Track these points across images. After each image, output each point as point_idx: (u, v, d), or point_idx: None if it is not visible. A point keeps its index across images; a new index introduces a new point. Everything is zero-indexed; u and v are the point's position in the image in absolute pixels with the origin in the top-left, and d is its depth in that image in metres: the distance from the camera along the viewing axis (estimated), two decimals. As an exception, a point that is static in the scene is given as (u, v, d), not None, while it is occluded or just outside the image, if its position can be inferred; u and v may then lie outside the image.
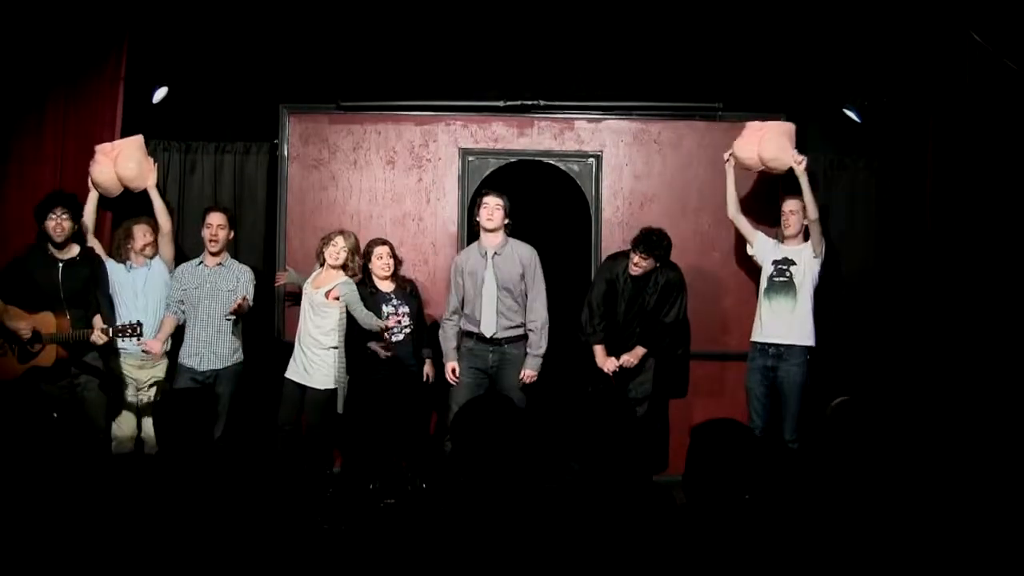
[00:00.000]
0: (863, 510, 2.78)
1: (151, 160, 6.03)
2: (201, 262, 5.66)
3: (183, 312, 5.59)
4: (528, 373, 5.66)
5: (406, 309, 5.82)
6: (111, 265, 5.73)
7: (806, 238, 5.82)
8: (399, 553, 2.61)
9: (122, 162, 5.88)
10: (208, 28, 6.31)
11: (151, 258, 5.79)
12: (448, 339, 5.77)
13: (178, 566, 2.68)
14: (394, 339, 5.77)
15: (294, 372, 5.69)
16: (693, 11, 6.30)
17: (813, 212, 5.72)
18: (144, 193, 5.95)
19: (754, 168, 6.00)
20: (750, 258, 6.06)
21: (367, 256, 5.84)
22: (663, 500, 2.68)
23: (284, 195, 6.49)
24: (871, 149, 6.46)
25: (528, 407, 5.63)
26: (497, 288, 5.59)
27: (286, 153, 6.50)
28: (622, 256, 5.87)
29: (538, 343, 5.67)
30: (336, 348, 5.62)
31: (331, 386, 5.63)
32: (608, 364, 5.75)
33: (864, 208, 6.48)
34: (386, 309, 5.78)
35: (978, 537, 2.80)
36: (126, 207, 6.09)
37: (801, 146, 6.46)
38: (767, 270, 5.82)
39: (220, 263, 5.64)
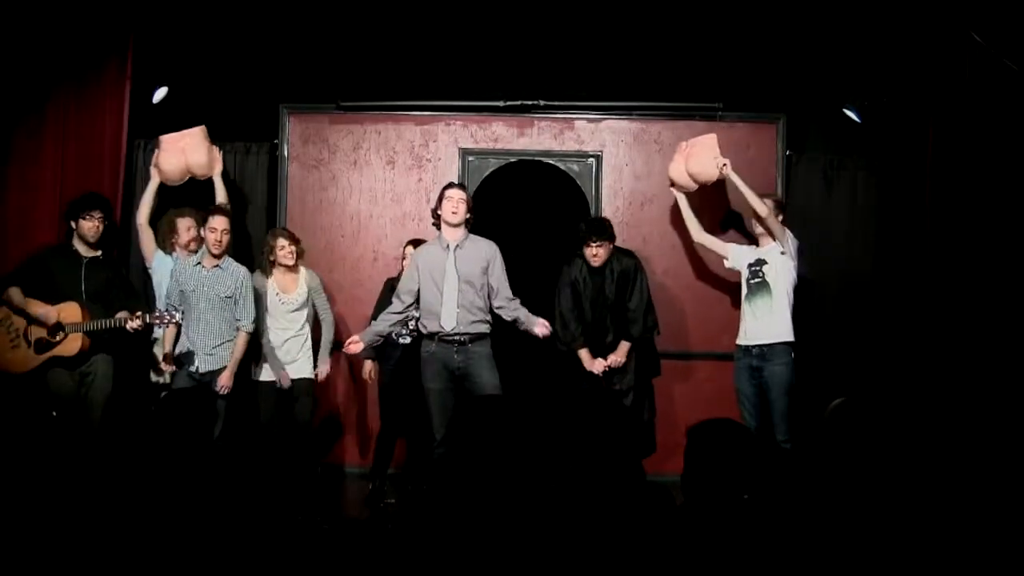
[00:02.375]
0: (862, 510, 2.78)
1: (215, 148, 6.14)
2: (199, 262, 5.64)
3: (180, 314, 5.57)
4: (540, 322, 5.41)
5: (416, 313, 5.80)
6: (159, 256, 5.87)
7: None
8: (399, 553, 2.61)
9: (191, 151, 6.03)
10: (208, 28, 6.32)
11: (196, 252, 5.82)
12: (377, 324, 5.54)
13: (178, 566, 2.68)
14: (400, 341, 5.77)
15: (270, 373, 5.76)
16: (693, 11, 6.30)
17: (761, 209, 5.69)
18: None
19: (689, 187, 6.00)
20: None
21: (403, 255, 5.90)
22: (662, 499, 2.68)
23: (284, 195, 6.50)
24: (871, 149, 6.46)
25: (523, 408, 5.57)
26: (459, 281, 5.38)
27: (286, 153, 6.50)
28: (576, 258, 5.87)
29: (526, 311, 5.46)
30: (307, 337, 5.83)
31: (312, 375, 5.83)
32: (596, 366, 5.74)
33: (864, 208, 6.47)
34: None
35: (976, 537, 2.80)
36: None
37: (801, 146, 6.49)
38: (744, 274, 5.81)
39: (218, 264, 5.63)
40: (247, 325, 5.61)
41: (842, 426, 3.03)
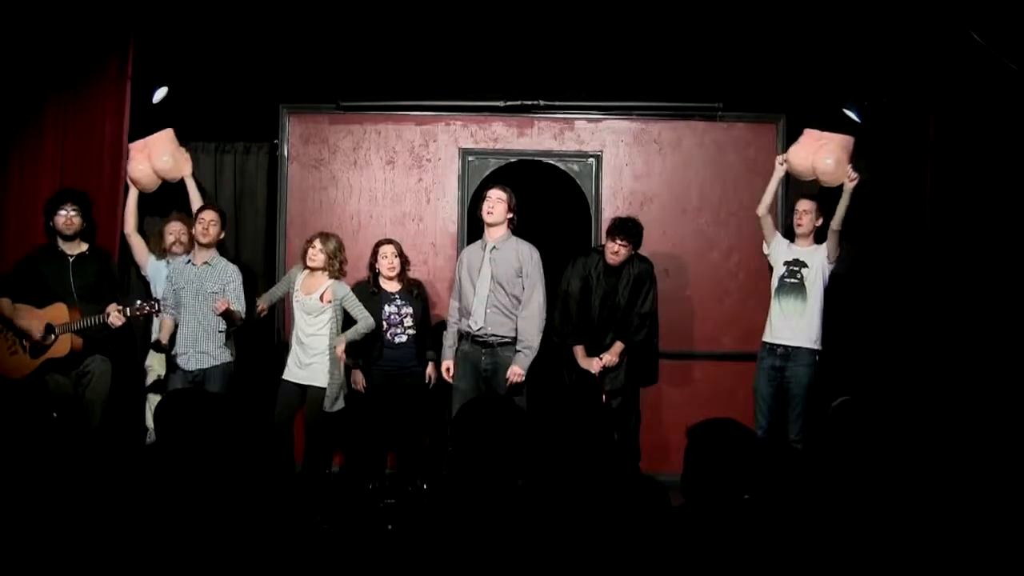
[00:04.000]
0: (864, 510, 2.78)
1: (184, 151, 6.14)
2: (189, 260, 5.66)
3: (159, 304, 5.54)
4: (514, 370, 5.42)
5: (409, 310, 5.81)
6: (152, 261, 5.92)
7: (817, 240, 5.82)
8: (399, 553, 2.61)
9: (156, 156, 6.03)
10: (208, 28, 6.31)
11: (180, 255, 5.86)
12: (448, 336, 5.71)
13: (177, 566, 2.68)
14: (396, 340, 5.77)
15: (293, 374, 5.70)
16: (693, 11, 6.30)
17: (839, 223, 5.71)
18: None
19: (804, 176, 5.98)
20: (757, 257, 6.06)
21: (374, 255, 5.86)
22: (657, 496, 2.67)
23: (284, 195, 6.50)
24: (871, 149, 6.46)
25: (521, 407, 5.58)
26: (491, 281, 5.49)
27: (286, 153, 6.50)
28: (593, 252, 5.88)
29: (529, 340, 5.46)
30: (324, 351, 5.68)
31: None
32: (593, 365, 5.73)
33: (864, 208, 6.47)
34: (388, 309, 5.78)
35: (979, 537, 2.80)
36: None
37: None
38: (779, 271, 5.81)
39: (207, 261, 5.63)
40: (240, 312, 5.62)
41: (845, 425, 3.03)
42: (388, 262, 5.81)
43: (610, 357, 5.75)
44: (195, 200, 6.00)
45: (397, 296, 5.81)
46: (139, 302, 5.43)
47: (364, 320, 5.65)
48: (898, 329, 6.15)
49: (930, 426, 5.27)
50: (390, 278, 5.83)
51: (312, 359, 5.65)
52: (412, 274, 6.06)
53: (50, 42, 6.04)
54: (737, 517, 2.63)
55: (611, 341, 5.79)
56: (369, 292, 5.82)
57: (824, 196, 5.93)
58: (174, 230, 5.93)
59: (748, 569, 2.53)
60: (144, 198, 6.16)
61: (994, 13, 5.48)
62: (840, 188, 5.77)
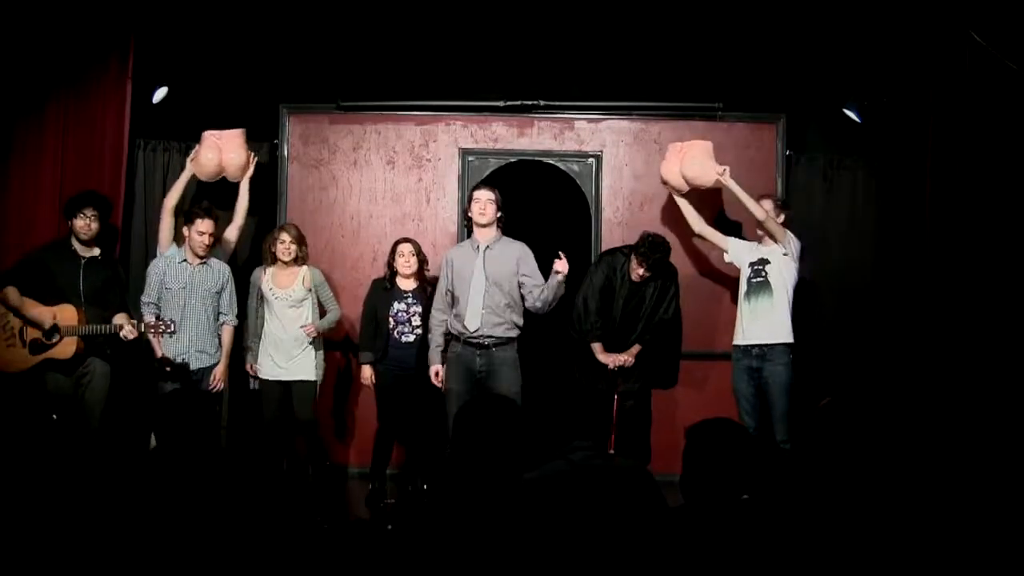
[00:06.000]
0: (860, 510, 2.78)
1: (252, 155, 6.17)
2: (184, 259, 5.65)
3: (175, 324, 5.53)
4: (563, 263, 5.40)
5: (418, 309, 5.81)
6: (173, 248, 5.81)
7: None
8: (399, 553, 2.61)
9: (229, 151, 6.05)
10: (208, 28, 6.32)
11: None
12: (434, 338, 5.60)
13: (177, 566, 2.68)
14: (403, 339, 5.78)
15: (272, 372, 5.77)
16: (692, 11, 6.30)
17: (759, 214, 5.68)
18: None
19: (681, 189, 6.00)
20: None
21: (392, 253, 5.88)
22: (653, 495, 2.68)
23: (284, 195, 6.50)
24: (871, 149, 6.46)
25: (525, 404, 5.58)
26: (486, 282, 5.46)
27: (286, 153, 6.51)
28: (620, 253, 5.88)
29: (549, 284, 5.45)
30: (315, 338, 5.77)
31: (315, 378, 5.79)
32: (612, 360, 5.74)
33: (864, 208, 6.48)
34: (397, 306, 5.80)
35: (972, 536, 2.80)
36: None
37: (801, 146, 6.50)
38: (745, 273, 5.80)
39: (204, 261, 5.65)
40: (231, 319, 5.71)
41: (832, 425, 3.03)
42: (404, 260, 5.83)
43: (626, 357, 5.77)
44: (243, 204, 6.05)
45: (409, 295, 5.82)
46: (155, 320, 5.45)
47: (334, 311, 5.89)
48: (899, 328, 6.15)
49: (928, 425, 5.27)
50: (407, 276, 5.85)
51: (294, 354, 5.74)
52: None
53: (51, 40, 6.04)
54: (736, 517, 2.63)
55: (632, 343, 5.82)
56: (383, 288, 5.85)
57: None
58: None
59: (747, 569, 2.53)
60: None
61: (994, 13, 5.47)
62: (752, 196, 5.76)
